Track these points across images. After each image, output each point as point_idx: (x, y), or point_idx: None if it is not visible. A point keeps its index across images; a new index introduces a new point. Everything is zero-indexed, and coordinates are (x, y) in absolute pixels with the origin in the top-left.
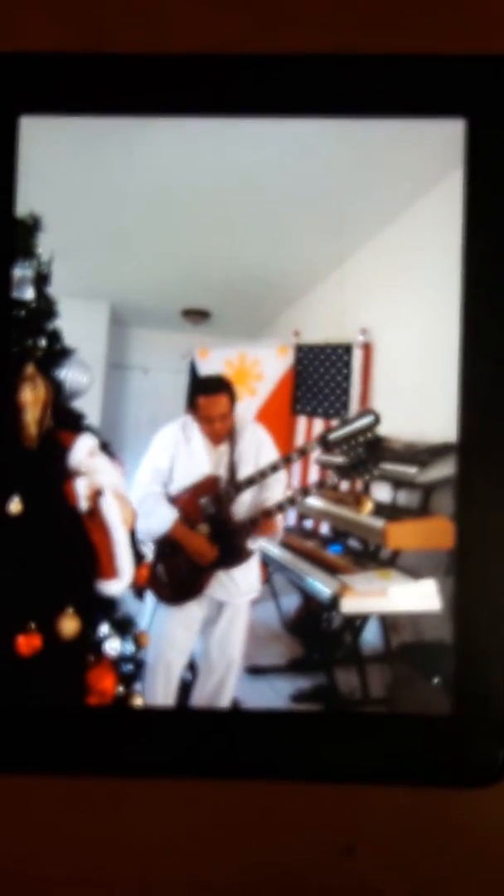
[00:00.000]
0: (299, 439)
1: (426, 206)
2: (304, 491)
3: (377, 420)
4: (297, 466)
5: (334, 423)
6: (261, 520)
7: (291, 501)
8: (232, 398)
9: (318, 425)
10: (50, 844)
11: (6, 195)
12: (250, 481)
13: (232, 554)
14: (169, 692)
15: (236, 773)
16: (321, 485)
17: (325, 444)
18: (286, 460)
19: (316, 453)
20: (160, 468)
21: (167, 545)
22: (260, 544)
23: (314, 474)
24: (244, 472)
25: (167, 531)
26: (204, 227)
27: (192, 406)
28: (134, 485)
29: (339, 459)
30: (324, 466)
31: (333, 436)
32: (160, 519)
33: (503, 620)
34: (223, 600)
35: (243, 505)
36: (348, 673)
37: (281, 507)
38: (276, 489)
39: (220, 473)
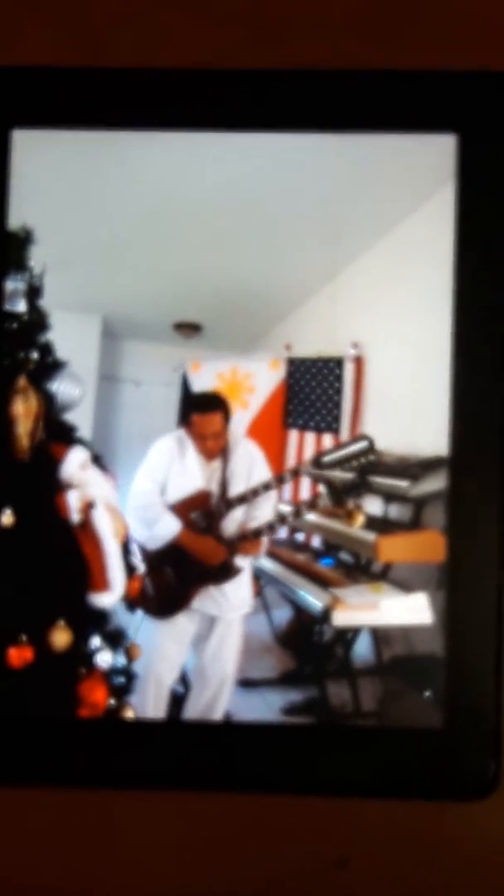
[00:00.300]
0: (291, 452)
1: (418, 220)
2: (296, 512)
3: (371, 445)
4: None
5: (327, 445)
6: (250, 538)
7: (282, 520)
8: (226, 416)
9: (310, 438)
10: (41, 856)
11: None
12: (242, 499)
13: (221, 569)
14: (159, 705)
15: (228, 786)
16: (312, 504)
17: (319, 466)
18: (279, 480)
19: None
20: (157, 479)
21: (156, 558)
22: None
23: (305, 491)
24: (236, 488)
25: (175, 538)
26: (197, 240)
27: (186, 422)
28: (135, 493)
29: (330, 474)
30: (316, 480)
31: (327, 459)
32: (167, 526)
33: (494, 634)
34: (215, 615)
35: (233, 522)
36: (340, 686)
37: (272, 528)
38: (265, 509)
39: (213, 489)
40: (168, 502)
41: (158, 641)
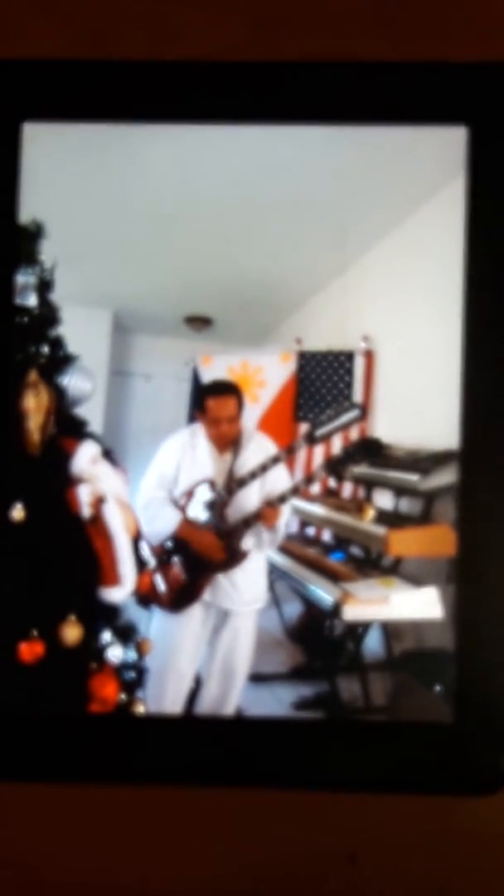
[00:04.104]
0: None
1: (428, 212)
2: (295, 489)
3: (362, 413)
4: (299, 469)
5: (318, 418)
6: (275, 504)
7: (295, 491)
8: (240, 402)
9: None
10: (52, 851)
11: (9, 201)
12: (241, 482)
13: (227, 555)
14: (177, 700)
15: (238, 781)
16: (310, 480)
17: (312, 440)
18: (275, 460)
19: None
20: (165, 474)
21: (165, 552)
22: (266, 552)
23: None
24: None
25: (173, 531)
26: (206, 234)
27: (201, 409)
28: (139, 490)
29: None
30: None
31: (320, 432)
32: (165, 520)
33: None
34: (228, 608)
35: (241, 508)
36: (350, 680)
37: (283, 499)
38: (279, 483)
39: (221, 480)
40: (178, 494)
41: (176, 636)
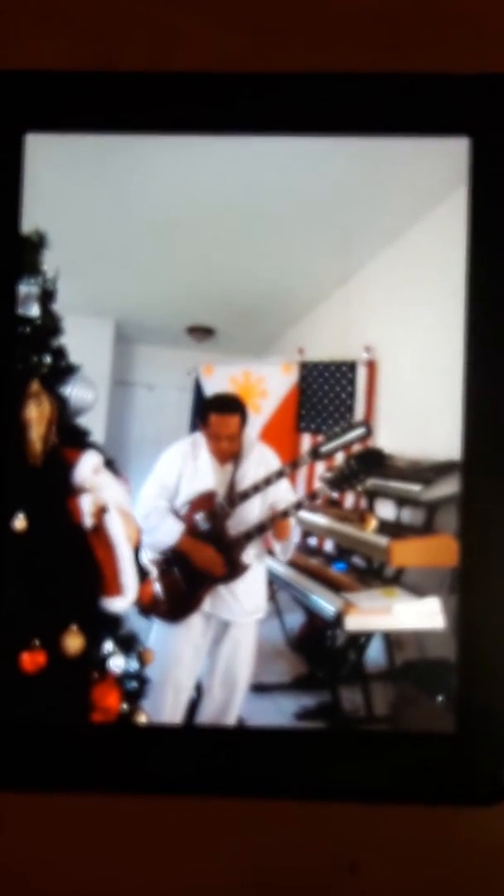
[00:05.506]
0: None
1: (431, 223)
2: (298, 505)
3: (368, 431)
4: (301, 481)
5: (322, 436)
6: (279, 519)
7: (298, 506)
8: (243, 420)
9: None
10: (53, 861)
11: (12, 212)
12: (244, 496)
13: (228, 568)
14: (176, 710)
15: (240, 791)
16: (313, 496)
17: (317, 456)
18: (279, 474)
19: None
20: (166, 484)
21: (165, 562)
22: (265, 560)
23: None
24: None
25: (174, 544)
26: (209, 244)
27: (204, 421)
28: (139, 500)
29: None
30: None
31: (325, 448)
32: (166, 532)
33: None
34: (228, 619)
35: (243, 521)
36: (352, 691)
37: (286, 514)
38: (281, 493)
39: (222, 491)
40: (178, 505)
41: (175, 646)
